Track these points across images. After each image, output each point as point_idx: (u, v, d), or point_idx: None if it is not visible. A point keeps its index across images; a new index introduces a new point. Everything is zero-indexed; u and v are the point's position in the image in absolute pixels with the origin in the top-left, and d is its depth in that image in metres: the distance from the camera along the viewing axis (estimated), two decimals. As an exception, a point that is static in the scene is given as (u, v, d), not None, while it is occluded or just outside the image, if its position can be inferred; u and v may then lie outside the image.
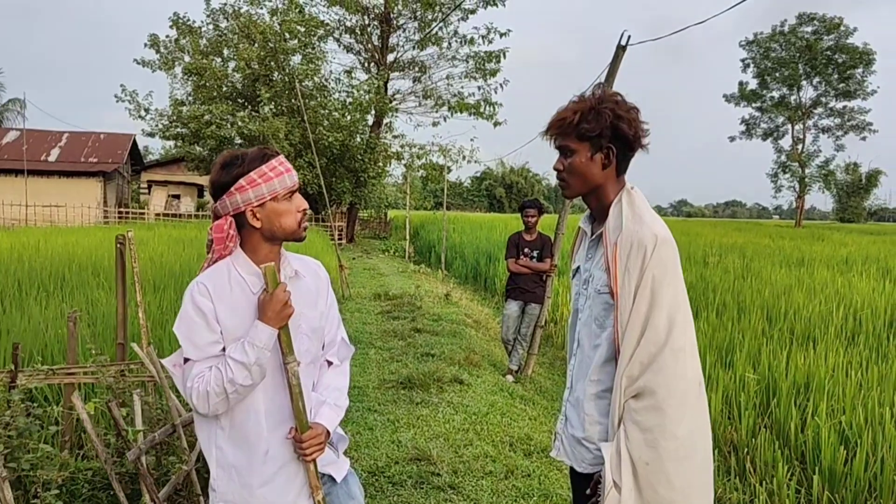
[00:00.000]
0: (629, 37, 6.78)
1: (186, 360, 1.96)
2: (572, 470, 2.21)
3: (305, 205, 2.05)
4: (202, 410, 1.95)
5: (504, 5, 28.94)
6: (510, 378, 7.23)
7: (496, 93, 29.98)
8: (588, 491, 2.08)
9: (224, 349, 1.96)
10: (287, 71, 25.84)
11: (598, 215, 2.17)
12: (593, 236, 2.19)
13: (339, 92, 28.32)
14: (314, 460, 1.99)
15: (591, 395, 2.09)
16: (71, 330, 3.80)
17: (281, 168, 1.99)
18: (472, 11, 29.04)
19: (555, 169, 2.17)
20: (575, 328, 2.27)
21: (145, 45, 27.95)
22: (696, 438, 1.97)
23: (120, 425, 2.59)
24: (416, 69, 30.74)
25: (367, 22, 30.00)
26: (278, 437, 2.01)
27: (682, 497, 1.93)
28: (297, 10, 26.72)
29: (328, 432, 2.03)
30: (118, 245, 3.91)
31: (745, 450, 4.91)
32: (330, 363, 2.23)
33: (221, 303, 1.96)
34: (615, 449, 1.96)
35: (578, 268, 2.28)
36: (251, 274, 2.00)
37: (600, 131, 2.02)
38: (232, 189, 1.95)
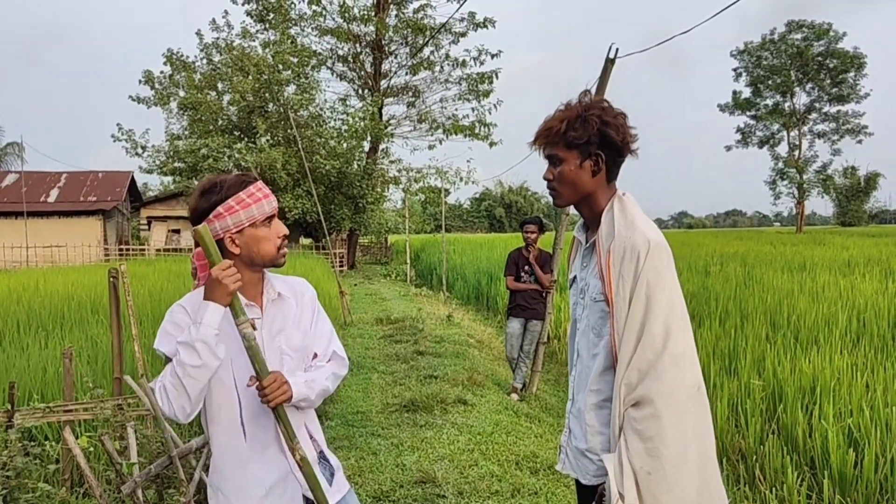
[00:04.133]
0: (617, 49, 6.82)
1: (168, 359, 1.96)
2: (578, 482, 2.18)
3: (285, 230, 2.03)
4: (166, 410, 1.91)
5: (494, 27, 29.21)
6: (515, 396, 7.17)
7: (490, 113, 30.17)
8: (594, 503, 2.04)
9: None
10: (282, 101, 26.01)
11: (591, 223, 2.15)
12: (587, 244, 2.17)
13: (335, 120, 28.52)
14: (279, 404, 1.91)
15: (591, 405, 2.07)
16: (66, 366, 3.78)
17: (259, 194, 1.98)
18: (463, 34, 29.31)
19: (545, 178, 2.14)
20: (574, 339, 2.25)
21: (140, 81, 28.16)
22: (697, 445, 1.93)
23: (114, 458, 2.56)
24: (410, 94, 30.96)
25: (359, 50, 30.26)
26: (264, 458, 2.00)
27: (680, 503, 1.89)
28: (290, 42, 26.95)
29: (289, 383, 1.94)
30: (111, 279, 3.90)
31: (754, 457, 4.85)
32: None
33: None
34: (617, 459, 1.93)
35: (575, 277, 2.25)
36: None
37: (588, 138, 2.01)
38: (210, 217, 1.94)
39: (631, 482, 1.89)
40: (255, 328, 1.92)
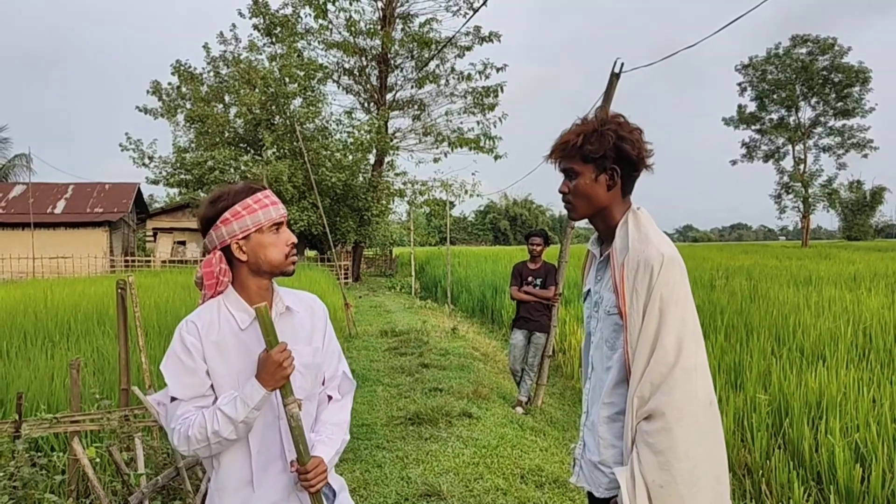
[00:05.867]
0: (622, 64, 6.85)
1: (173, 398, 1.94)
2: (590, 495, 2.19)
3: (293, 238, 2.02)
4: (183, 451, 1.94)
5: (499, 41, 29.34)
6: (520, 410, 7.16)
7: (495, 126, 30.26)
8: None
9: (212, 386, 1.94)
10: (288, 114, 26.12)
11: (606, 237, 2.17)
12: (601, 258, 2.19)
13: (340, 133, 28.61)
14: (318, 491, 1.95)
15: (604, 417, 2.09)
16: (74, 377, 3.79)
17: (266, 201, 1.98)
18: (469, 48, 29.45)
19: (560, 192, 2.16)
20: (588, 352, 2.27)
21: (147, 91, 28.34)
22: (709, 459, 1.95)
23: (122, 469, 2.56)
24: (416, 107, 31.08)
25: (365, 63, 30.41)
26: (269, 475, 1.98)
27: None
28: (296, 55, 27.10)
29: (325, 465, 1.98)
30: (119, 290, 3.92)
31: (760, 472, 4.84)
32: (330, 398, 2.19)
33: (208, 340, 1.94)
34: (630, 473, 1.94)
35: (589, 290, 2.27)
36: (240, 311, 1.98)
37: (604, 153, 2.03)
38: (217, 223, 1.95)
39: (644, 495, 1.91)
40: (300, 408, 1.93)
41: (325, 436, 2.07)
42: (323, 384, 2.16)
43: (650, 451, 1.91)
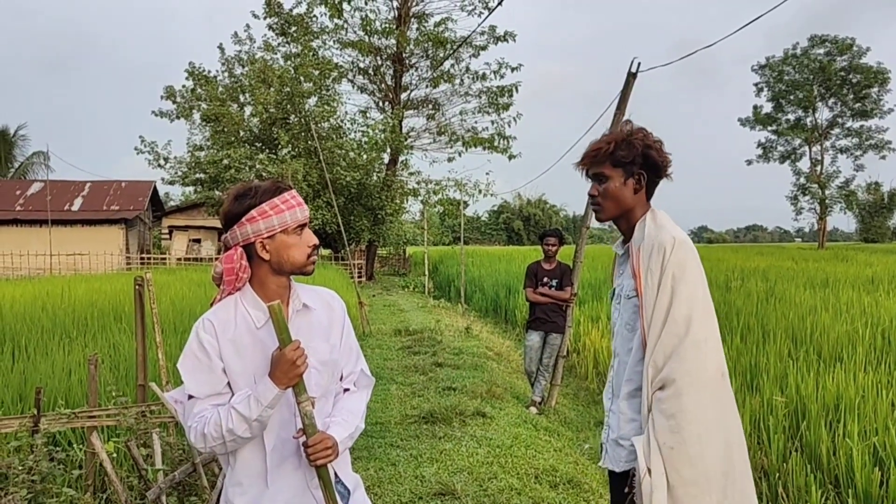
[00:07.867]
0: (639, 64, 6.83)
1: (190, 396, 1.95)
2: (611, 474, 2.33)
3: (315, 240, 2.04)
4: (200, 448, 1.95)
5: (514, 41, 29.29)
6: (534, 410, 7.15)
7: (510, 126, 30.20)
8: (626, 489, 2.19)
9: (228, 384, 1.95)
10: (303, 113, 26.19)
11: (628, 236, 2.36)
12: (623, 253, 2.41)
13: (355, 132, 28.66)
14: (323, 465, 1.93)
15: (625, 394, 2.25)
16: (91, 373, 3.81)
17: (293, 201, 1.98)
18: (483, 48, 29.41)
19: (590, 195, 2.37)
20: (614, 345, 2.44)
21: (161, 97, 28.51)
22: (719, 425, 2.08)
23: (139, 464, 2.58)
24: (430, 106, 31.06)
25: (379, 62, 30.44)
26: (283, 473, 1.99)
27: (703, 478, 2.03)
28: (312, 54, 27.17)
29: (337, 444, 1.97)
30: (136, 287, 3.95)
31: (777, 475, 4.80)
32: (346, 391, 2.19)
33: (225, 338, 1.95)
34: (646, 438, 2.09)
35: (615, 289, 2.46)
36: (256, 309, 1.98)
37: (633, 158, 2.26)
38: (243, 220, 1.95)
39: (658, 457, 2.05)
40: (314, 406, 1.93)
41: (340, 418, 2.06)
42: (341, 380, 2.16)
43: (663, 416, 2.06)
